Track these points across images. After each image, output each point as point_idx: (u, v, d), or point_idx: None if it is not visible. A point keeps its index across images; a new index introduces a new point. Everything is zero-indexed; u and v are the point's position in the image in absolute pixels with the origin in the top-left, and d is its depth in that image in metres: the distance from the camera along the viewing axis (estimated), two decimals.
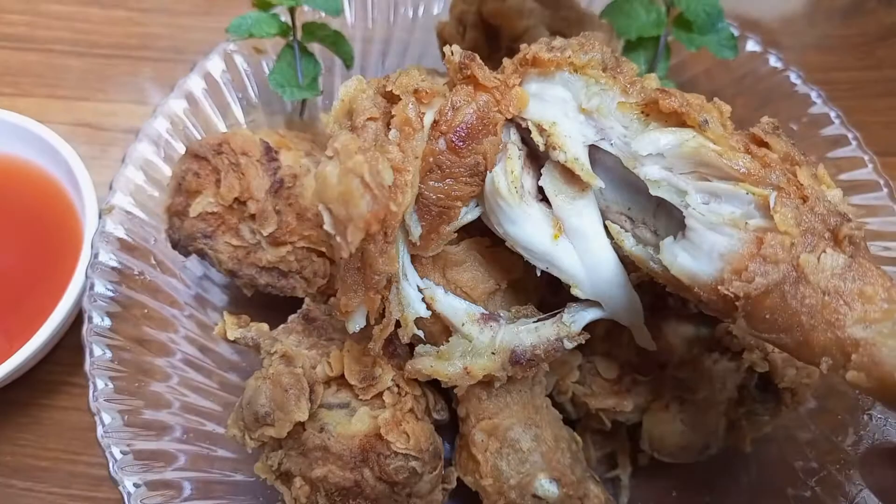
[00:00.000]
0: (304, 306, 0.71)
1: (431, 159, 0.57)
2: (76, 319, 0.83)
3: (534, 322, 0.62)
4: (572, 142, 0.57)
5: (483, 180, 0.59)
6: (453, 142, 0.56)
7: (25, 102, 0.93)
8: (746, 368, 0.70)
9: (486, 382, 0.65)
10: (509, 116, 0.57)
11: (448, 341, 0.62)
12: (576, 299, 0.61)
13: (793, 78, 0.94)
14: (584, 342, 0.62)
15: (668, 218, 0.57)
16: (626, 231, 0.59)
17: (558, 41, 0.59)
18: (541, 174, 0.60)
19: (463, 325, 0.62)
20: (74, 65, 1.08)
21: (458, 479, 0.67)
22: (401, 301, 0.61)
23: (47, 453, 0.82)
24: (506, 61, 0.59)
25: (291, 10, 0.85)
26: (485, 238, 0.66)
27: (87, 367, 0.70)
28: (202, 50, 0.89)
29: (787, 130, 0.92)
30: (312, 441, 0.61)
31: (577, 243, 0.59)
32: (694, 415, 0.70)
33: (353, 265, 0.57)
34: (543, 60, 0.56)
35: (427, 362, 0.62)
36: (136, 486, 0.65)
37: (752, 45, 0.97)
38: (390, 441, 0.60)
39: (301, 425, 0.62)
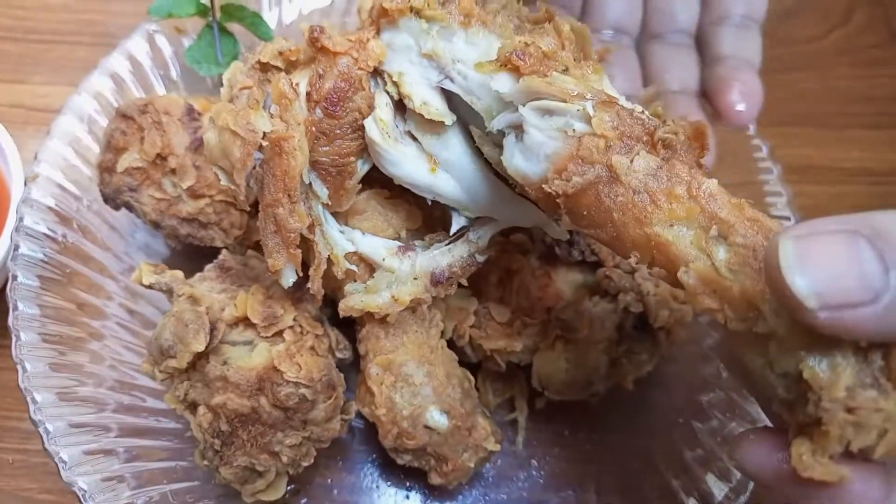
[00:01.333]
0: (221, 256, 0.76)
1: (314, 128, 0.63)
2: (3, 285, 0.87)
3: (446, 245, 0.70)
4: (419, 87, 0.62)
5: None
6: (327, 108, 0.62)
7: None
8: (623, 309, 0.77)
9: (384, 321, 0.71)
10: (370, 70, 0.62)
11: (373, 277, 0.69)
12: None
13: None
14: (492, 255, 0.70)
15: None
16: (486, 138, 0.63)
17: None
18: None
19: (384, 259, 0.69)
20: (11, 49, 1.12)
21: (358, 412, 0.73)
22: (328, 242, 0.68)
23: None
24: (361, 14, 0.65)
25: None
26: (384, 189, 0.72)
27: (10, 321, 0.74)
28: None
29: None
30: (214, 372, 0.66)
31: (453, 172, 0.66)
32: (577, 353, 0.77)
33: (269, 230, 0.63)
34: (388, 10, 0.60)
35: (357, 298, 0.69)
36: (58, 428, 0.70)
37: None
38: (282, 371, 0.66)
39: (206, 357, 0.67)
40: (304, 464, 0.69)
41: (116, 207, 0.83)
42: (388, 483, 0.82)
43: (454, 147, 0.64)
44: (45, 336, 0.75)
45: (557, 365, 0.77)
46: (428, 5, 0.59)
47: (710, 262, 0.48)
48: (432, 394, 0.71)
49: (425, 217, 0.74)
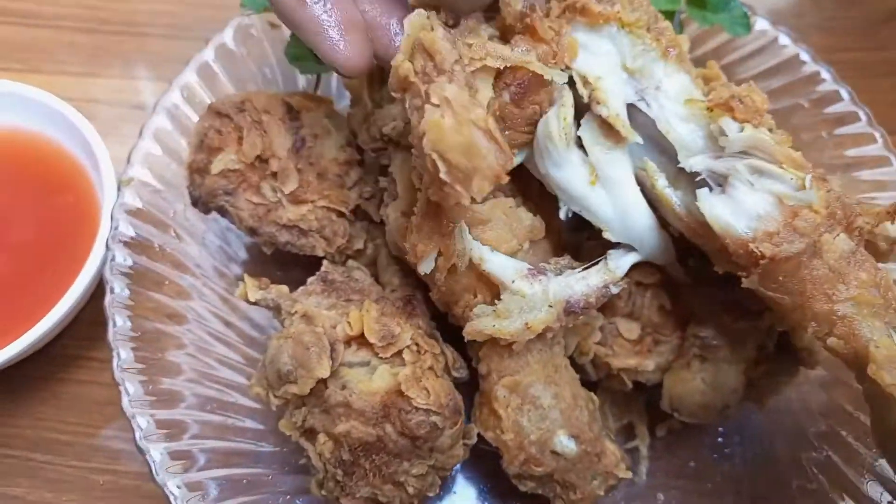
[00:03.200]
0: (323, 269, 0.71)
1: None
2: (94, 293, 0.83)
3: (580, 272, 0.66)
4: (614, 98, 0.60)
5: (535, 129, 0.62)
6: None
7: (35, 79, 0.92)
8: (765, 329, 0.71)
9: (509, 343, 0.66)
10: (563, 66, 0.59)
11: (501, 300, 0.64)
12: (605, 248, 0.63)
13: (802, 56, 0.95)
14: (625, 286, 0.67)
15: (686, 182, 0.63)
16: (661, 173, 0.64)
17: None
18: (580, 124, 0.63)
19: (513, 281, 0.64)
20: (83, 41, 1.08)
21: (479, 435, 0.68)
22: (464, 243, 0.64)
23: (67, 427, 0.81)
24: (554, 4, 0.60)
25: None
26: (508, 199, 0.67)
27: (109, 336, 0.69)
28: (209, 26, 0.89)
29: (795, 107, 0.95)
30: (335, 398, 0.61)
31: (610, 190, 0.64)
32: (714, 374, 0.71)
33: (429, 214, 0.60)
34: (593, 12, 0.59)
35: (487, 322, 0.64)
36: (161, 454, 0.66)
37: (761, 24, 0.98)
38: (411, 397, 0.60)
39: (323, 383, 0.62)
40: (430, 494, 0.65)
41: (207, 211, 0.78)
42: None
43: (620, 167, 0.62)
44: (140, 356, 0.71)
45: (693, 385, 0.71)
46: (637, 24, 0.59)
47: (894, 342, 0.55)
48: (560, 417, 0.66)
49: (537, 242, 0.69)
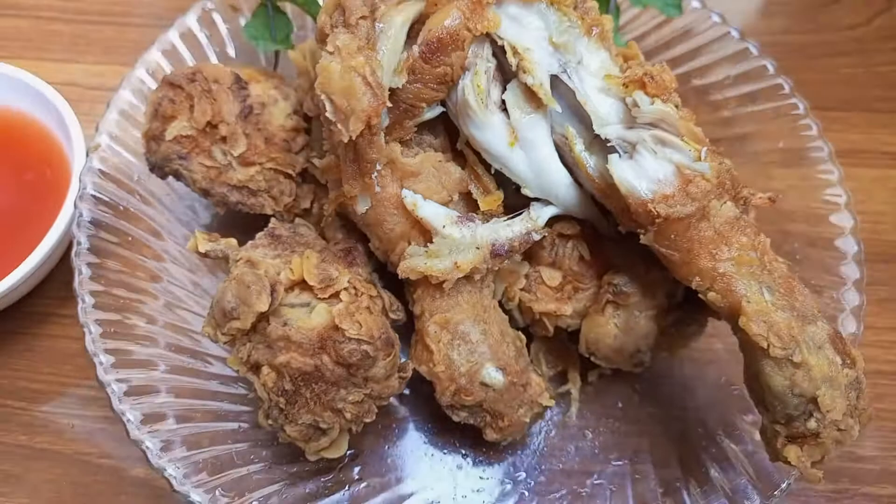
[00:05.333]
0: (270, 224, 0.78)
1: (406, 63, 0.66)
2: (65, 255, 0.90)
3: (505, 220, 0.73)
4: (539, 69, 0.68)
5: (448, 88, 0.69)
6: (424, 53, 0.66)
7: (16, 65, 0.99)
8: (674, 279, 0.77)
9: (439, 284, 0.72)
10: (476, 34, 0.66)
11: (432, 243, 0.71)
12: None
13: (732, 32, 1.02)
14: (546, 235, 0.75)
15: (599, 148, 0.71)
16: (579, 138, 0.71)
17: None
18: (505, 88, 0.70)
19: (444, 227, 0.71)
20: (63, 30, 1.15)
21: (414, 370, 0.74)
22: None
23: (40, 377, 0.88)
24: None
25: None
26: (437, 153, 0.74)
27: (75, 284, 0.76)
28: None
29: (724, 81, 1.02)
30: (276, 333, 0.68)
31: (528, 151, 0.71)
32: (626, 319, 0.77)
33: (349, 158, 0.68)
34: None
35: (420, 261, 0.71)
36: (118, 383, 0.72)
37: (694, 4, 1.05)
38: (344, 328, 0.67)
39: (266, 320, 0.68)
40: (367, 419, 0.71)
41: (163, 176, 0.84)
42: (444, 450, 0.83)
43: (539, 130, 0.70)
44: (105, 302, 0.77)
45: (606, 329, 0.77)
46: (565, 3, 0.66)
47: (764, 299, 0.64)
48: (488, 351, 0.72)
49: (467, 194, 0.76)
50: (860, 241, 0.83)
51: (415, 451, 0.83)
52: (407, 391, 0.85)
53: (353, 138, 0.63)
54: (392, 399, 0.83)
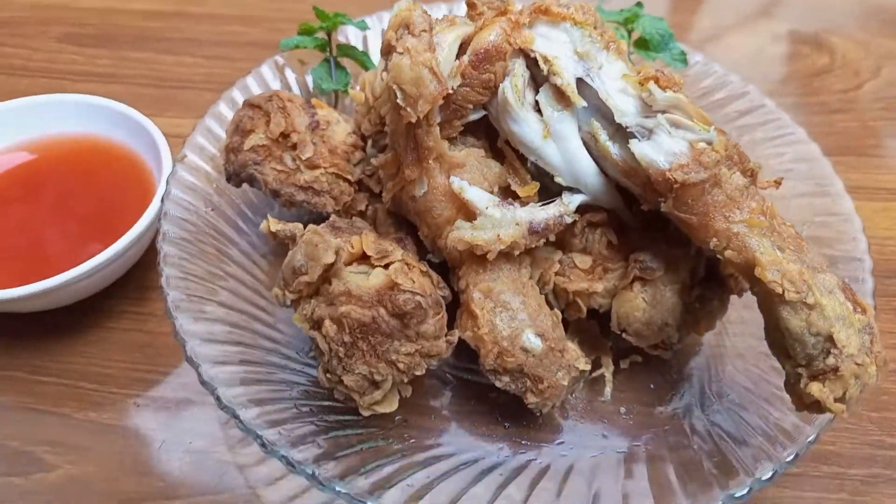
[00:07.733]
0: (331, 219, 0.88)
1: (460, 70, 0.80)
2: (141, 259, 1.01)
3: (541, 205, 0.84)
4: (567, 72, 0.81)
5: (491, 93, 0.82)
6: (474, 60, 0.80)
7: None
8: (695, 255, 0.85)
9: (483, 259, 0.81)
10: (516, 47, 0.80)
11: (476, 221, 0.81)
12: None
13: (733, 78, 1.17)
14: (577, 219, 0.84)
15: (621, 137, 0.81)
16: (603, 130, 0.82)
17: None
18: (538, 92, 0.83)
19: (487, 208, 0.81)
20: (150, 93, 1.34)
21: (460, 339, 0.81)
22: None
23: (111, 363, 0.96)
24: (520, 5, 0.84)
25: (328, 33, 1.11)
26: (480, 150, 0.86)
27: (160, 260, 0.85)
28: None
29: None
30: (337, 290, 0.76)
31: (559, 143, 0.82)
32: (653, 293, 0.84)
33: (409, 146, 0.80)
34: (553, 12, 0.82)
35: (466, 231, 0.81)
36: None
37: (697, 58, 1.20)
38: (399, 283, 0.75)
39: (328, 282, 0.77)
40: (417, 372, 0.76)
41: (238, 184, 0.96)
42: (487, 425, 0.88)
43: (568, 124, 0.82)
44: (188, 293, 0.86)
45: (635, 304, 0.84)
46: (586, 24, 0.82)
47: (776, 254, 0.73)
48: (528, 318, 0.79)
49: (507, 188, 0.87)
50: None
51: (458, 428, 0.88)
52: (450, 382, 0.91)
53: (420, 118, 0.75)
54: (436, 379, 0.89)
